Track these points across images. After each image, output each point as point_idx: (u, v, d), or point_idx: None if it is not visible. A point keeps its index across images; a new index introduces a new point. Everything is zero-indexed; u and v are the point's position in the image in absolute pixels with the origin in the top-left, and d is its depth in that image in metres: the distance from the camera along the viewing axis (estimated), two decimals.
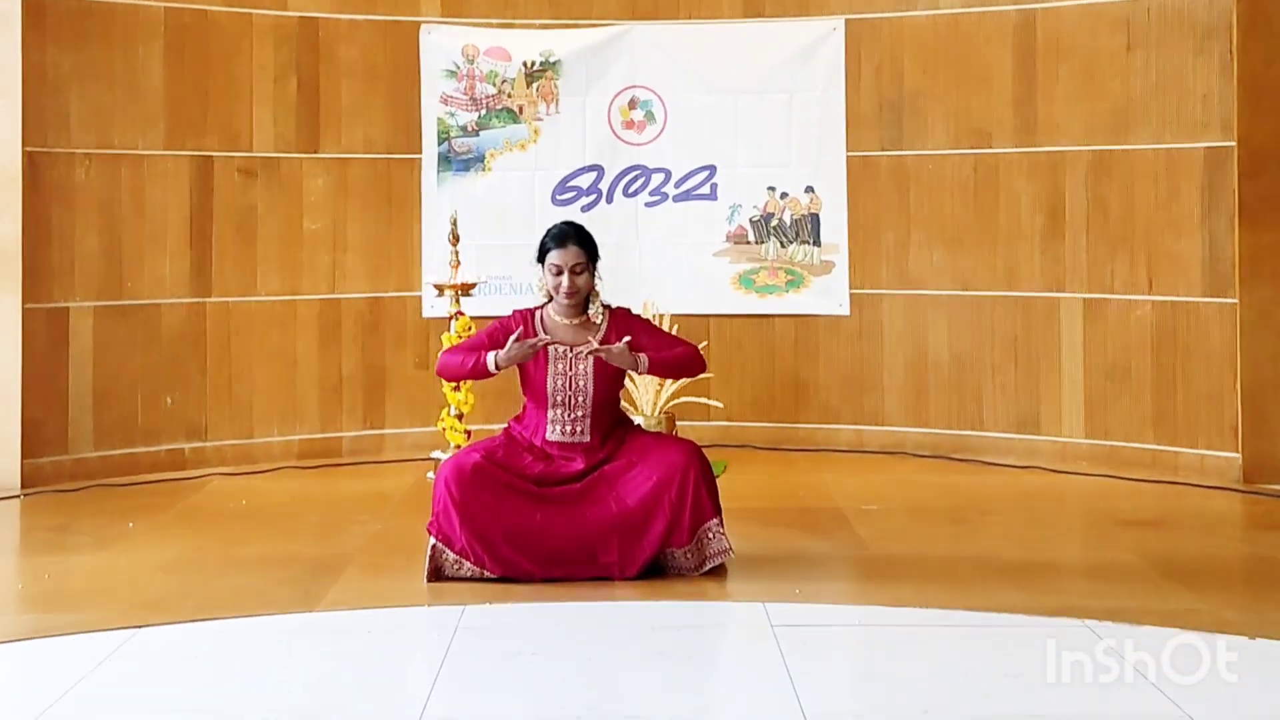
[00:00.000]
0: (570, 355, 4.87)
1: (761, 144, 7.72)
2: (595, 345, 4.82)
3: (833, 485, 6.57)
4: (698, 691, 3.81)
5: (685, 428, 7.13)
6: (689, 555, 4.85)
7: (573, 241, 4.88)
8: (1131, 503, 6.19)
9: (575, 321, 4.95)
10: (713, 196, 7.75)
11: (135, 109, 6.99)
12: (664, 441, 5.10)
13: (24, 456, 6.52)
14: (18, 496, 6.39)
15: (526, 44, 7.72)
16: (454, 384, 6.51)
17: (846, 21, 7.61)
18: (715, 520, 4.87)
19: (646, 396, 6.92)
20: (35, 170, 6.66)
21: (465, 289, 6.83)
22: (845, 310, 7.60)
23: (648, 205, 7.76)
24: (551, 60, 7.71)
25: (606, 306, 4.99)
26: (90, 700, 3.65)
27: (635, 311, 5.18)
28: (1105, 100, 7.08)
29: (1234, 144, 6.69)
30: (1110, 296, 7.05)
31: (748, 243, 7.71)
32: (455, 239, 6.82)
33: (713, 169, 7.75)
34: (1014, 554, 5.23)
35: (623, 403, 5.20)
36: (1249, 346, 6.62)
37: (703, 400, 7.13)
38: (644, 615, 4.56)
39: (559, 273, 4.86)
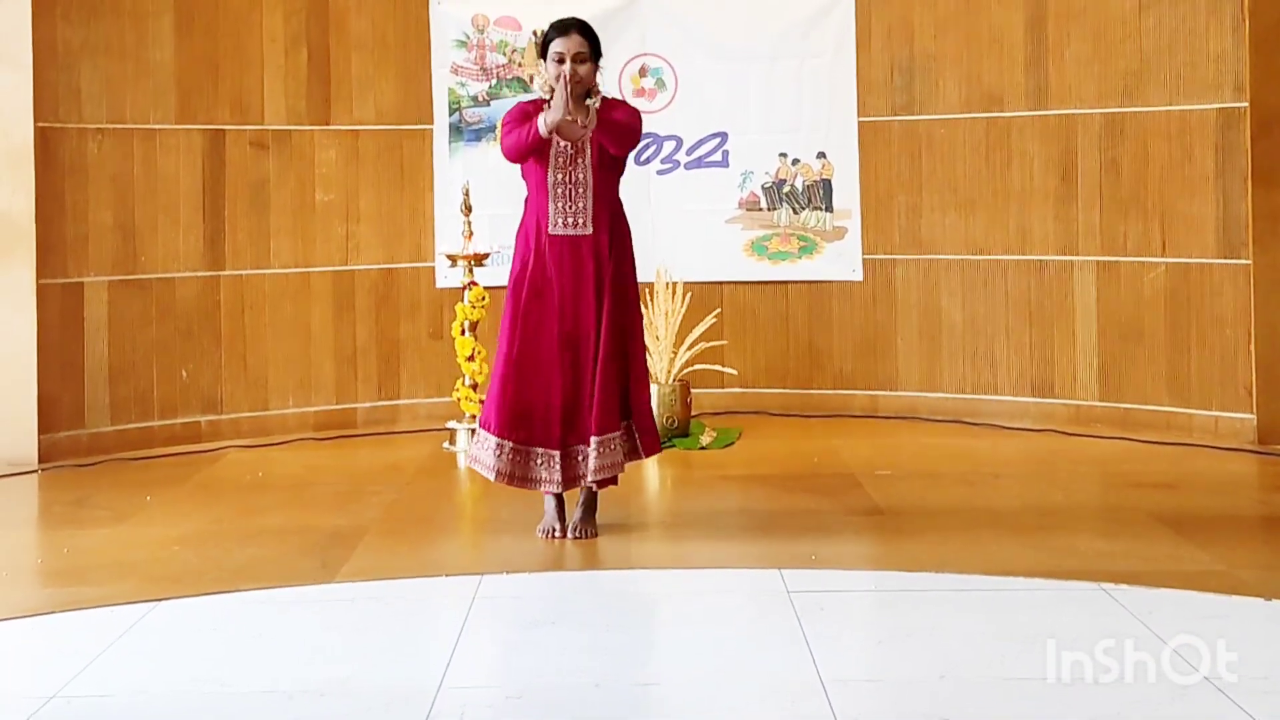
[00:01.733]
0: (570, 151, 4.88)
1: (773, 110, 7.70)
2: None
3: (847, 451, 6.58)
4: (715, 658, 3.82)
5: (700, 394, 7.14)
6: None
7: (575, 30, 4.89)
8: (1146, 465, 6.18)
9: (573, 117, 4.88)
10: (724, 163, 7.73)
11: (146, 82, 6.98)
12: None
13: (40, 431, 6.53)
14: (35, 471, 6.41)
15: (536, 13, 7.66)
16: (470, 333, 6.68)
17: None
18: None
19: (661, 364, 6.92)
20: (47, 145, 6.66)
21: (478, 259, 6.84)
22: (858, 276, 7.59)
23: (659, 173, 7.74)
24: None
25: (604, 98, 4.99)
26: (112, 673, 3.68)
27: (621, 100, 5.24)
28: (1117, 62, 7.04)
29: (1246, 105, 6.65)
30: (1123, 259, 7.03)
31: (760, 209, 7.70)
32: (468, 209, 6.83)
33: (724, 136, 7.73)
34: (1029, 518, 5.24)
35: None
36: (1263, 307, 6.60)
37: (717, 368, 7.13)
38: (660, 582, 4.61)
39: (561, 60, 4.85)
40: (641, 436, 5.01)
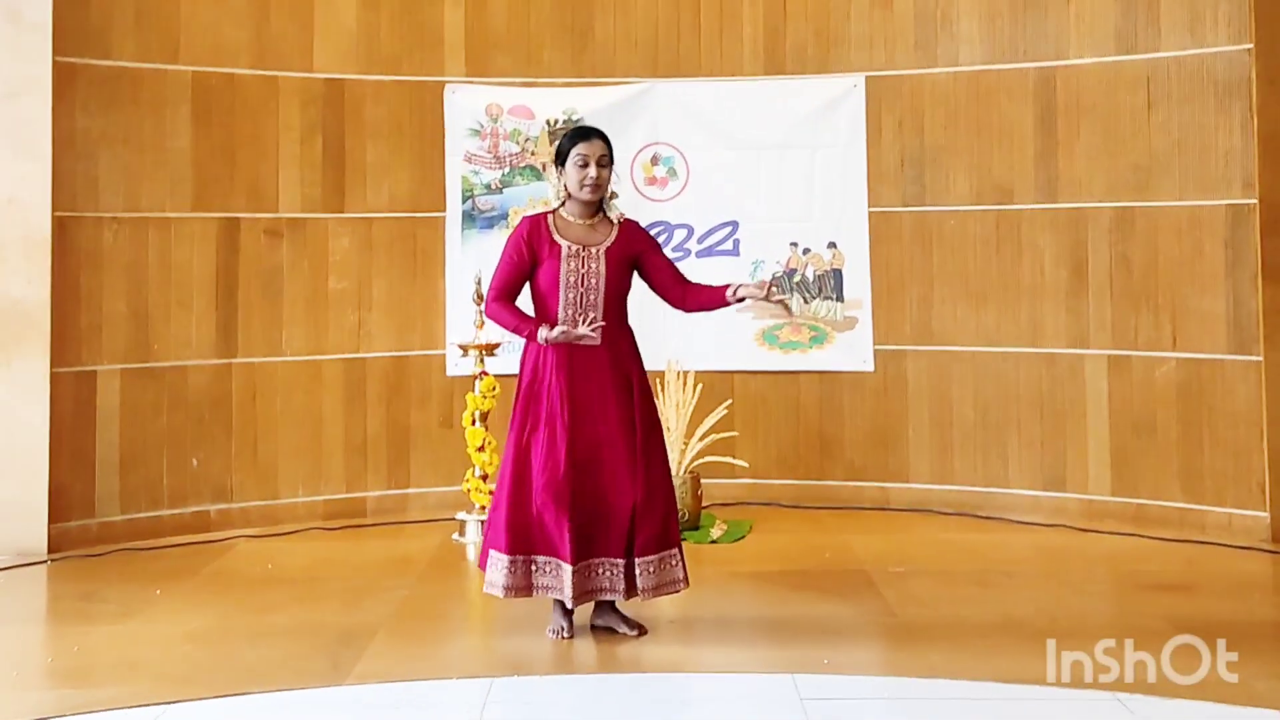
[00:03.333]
0: (583, 253, 4.92)
1: (783, 200, 7.75)
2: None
3: (859, 545, 6.56)
4: None
5: (710, 485, 7.14)
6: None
7: (597, 136, 4.99)
8: (1159, 564, 6.16)
9: (589, 221, 5.00)
10: (735, 252, 7.76)
11: (163, 172, 7.05)
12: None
13: (51, 521, 6.54)
14: (45, 562, 6.40)
15: (549, 102, 7.76)
16: (480, 424, 6.76)
17: (867, 78, 7.64)
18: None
19: (672, 455, 6.90)
20: (64, 234, 6.72)
21: (489, 349, 6.86)
22: (869, 366, 7.60)
23: None
24: (574, 118, 7.75)
25: (625, 219, 5.07)
26: None
27: (648, 231, 5.26)
28: (1127, 157, 7.09)
29: (1256, 201, 6.70)
30: (1135, 353, 7.03)
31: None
32: (479, 298, 6.85)
33: (735, 224, 7.77)
34: (1042, 621, 5.19)
35: None
36: (1275, 404, 6.61)
37: (728, 460, 7.13)
38: (672, 688, 4.57)
39: (585, 164, 4.93)
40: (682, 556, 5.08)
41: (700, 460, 7.00)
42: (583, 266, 4.93)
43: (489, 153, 7.73)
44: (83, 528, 6.71)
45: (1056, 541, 6.68)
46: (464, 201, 7.68)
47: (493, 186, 7.70)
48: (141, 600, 5.64)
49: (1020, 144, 7.36)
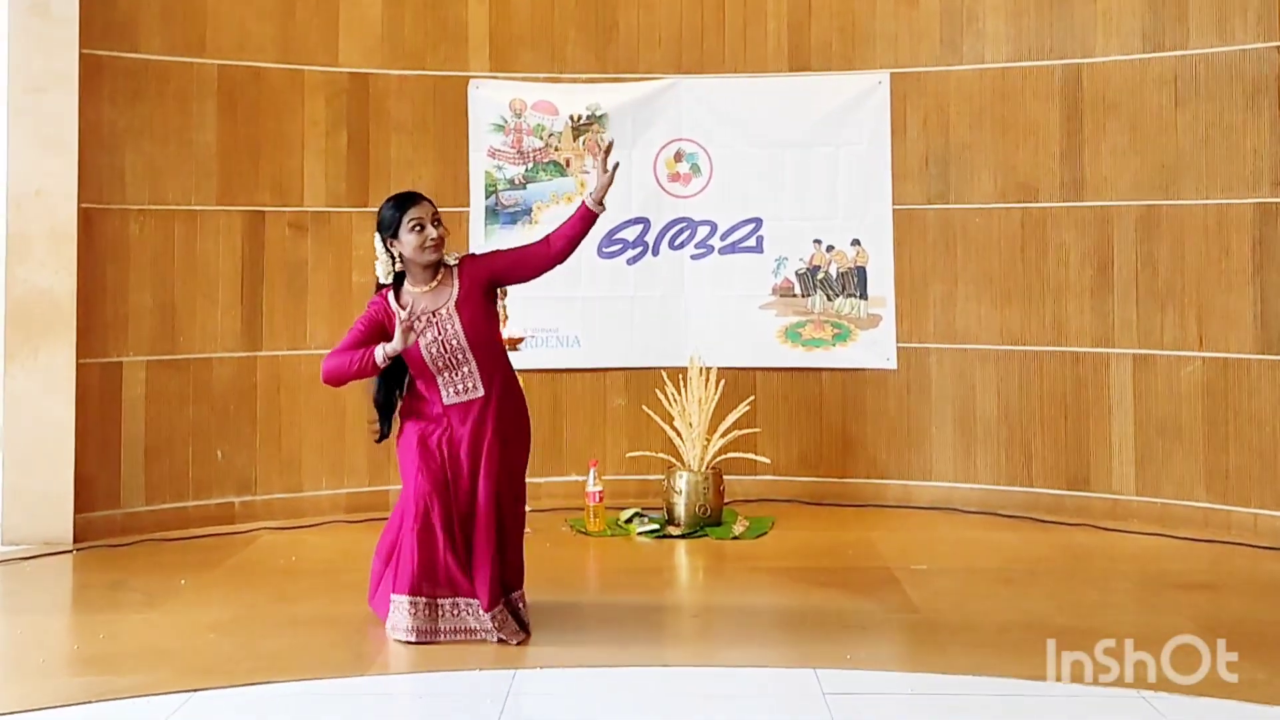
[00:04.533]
0: (436, 320, 4.90)
1: (807, 197, 7.73)
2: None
3: (881, 543, 6.55)
4: None
5: (732, 482, 7.13)
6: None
7: (421, 198, 5.04)
8: (1184, 564, 6.14)
9: (429, 287, 4.99)
10: (759, 249, 7.75)
11: (188, 165, 7.07)
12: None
13: (76, 511, 6.58)
14: (71, 551, 6.44)
15: (573, 98, 7.77)
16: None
17: (891, 75, 7.62)
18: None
19: (694, 452, 6.92)
20: (90, 226, 6.75)
21: (512, 344, 6.84)
22: (892, 364, 7.59)
23: (694, 258, 7.78)
24: (598, 114, 7.76)
25: (458, 259, 5.09)
26: None
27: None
28: (1153, 155, 7.06)
29: None
30: (1160, 352, 7.01)
31: (794, 296, 7.71)
32: (503, 293, 6.85)
33: (759, 221, 7.77)
34: (1066, 618, 5.18)
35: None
36: None
37: (749, 456, 7.12)
38: (695, 682, 4.57)
39: (421, 227, 4.94)
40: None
41: (722, 456, 7.00)
42: (440, 333, 4.91)
43: (513, 148, 7.73)
44: (108, 518, 6.74)
45: (1080, 540, 6.66)
46: (487, 197, 7.69)
47: (516, 182, 7.71)
48: (167, 590, 5.67)
49: (1045, 142, 7.33)
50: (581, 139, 7.76)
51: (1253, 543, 6.49)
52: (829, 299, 7.68)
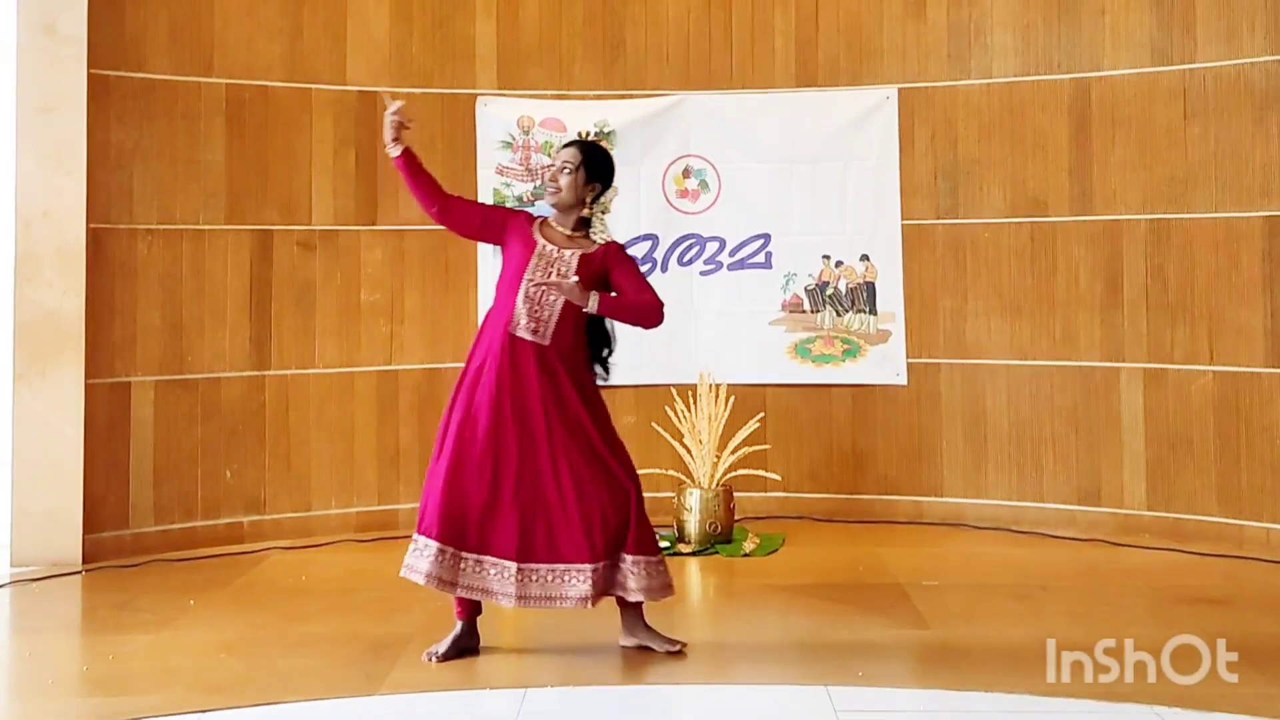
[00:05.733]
0: (555, 257, 4.86)
1: (816, 212, 7.73)
2: (549, 280, 4.81)
3: (892, 559, 6.52)
4: None
5: (742, 499, 7.11)
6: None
7: (574, 145, 5.06)
8: (1197, 579, 6.11)
9: (569, 233, 4.96)
10: (767, 265, 7.74)
11: (196, 184, 7.08)
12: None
13: (85, 531, 6.56)
14: (79, 572, 6.42)
15: (581, 115, 7.77)
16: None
17: (900, 90, 7.62)
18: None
19: (704, 469, 6.91)
20: (99, 246, 6.75)
21: None
22: (902, 380, 7.57)
23: (703, 274, 7.77)
24: (606, 130, 7.76)
25: (610, 241, 5.04)
26: None
27: (631, 255, 5.16)
28: (1163, 169, 7.05)
29: None
30: (1171, 366, 6.98)
31: (803, 311, 7.70)
32: None
33: (767, 237, 7.76)
34: (1078, 634, 5.13)
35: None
36: None
37: (760, 473, 7.10)
38: (706, 699, 4.55)
39: (551, 166, 5.01)
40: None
41: (732, 473, 6.98)
42: (550, 267, 4.88)
43: (520, 165, 7.73)
44: (117, 538, 6.73)
45: (1092, 556, 6.63)
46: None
47: (524, 199, 7.70)
48: (176, 610, 5.66)
49: (1055, 156, 7.32)
50: None
51: (1266, 557, 6.46)
52: (838, 314, 7.67)
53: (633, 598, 4.87)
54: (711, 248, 7.78)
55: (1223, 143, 6.89)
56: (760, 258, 7.76)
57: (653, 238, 7.76)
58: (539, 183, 7.68)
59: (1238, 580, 6.09)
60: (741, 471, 7.01)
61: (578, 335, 4.94)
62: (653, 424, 7.28)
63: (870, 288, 7.65)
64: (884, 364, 7.61)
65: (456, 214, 5.07)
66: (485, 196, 7.64)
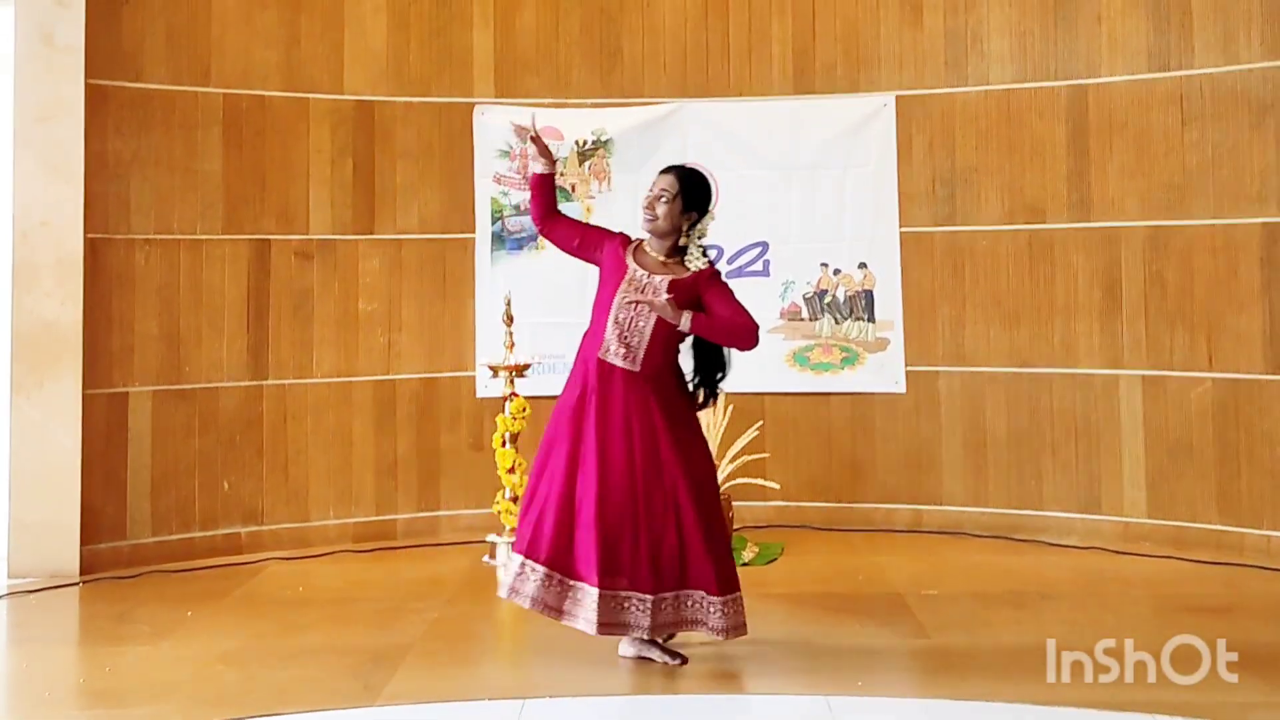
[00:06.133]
0: (648, 283, 4.85)
1: (814, 220, 7.72)
2: (640, 297, 4.82)
3: (892, 568, 6.51)
4: None
5: (741, 508, 7.10)
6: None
7: (672, 172, 4.98)
8: (1198, 587, 6.10)
9: (663, 259, 4.95)
10: (765, 273, 7.73)
11: (194, 194, 7.07)
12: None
13: (83, 543, 6.54)
14: (77, 584, 6.40)
15: (579, 123, 7.77)
16: (510, 445, 6.70)
17: (897, 98, 7.62)
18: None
19: None
20: (96, 256, 6.74)
21: (519, 370, 6.85)
22: (901, 388, 7.56)
23: None
24: (603, 139, 7.76)
25: (710, 262, 5.00)
26: None
27: (725, 281, 5.07)
28: (1160, 175, 7.05)
29: None
30: (1170, 373, 6.98)
31: (801, 319, 7.69)
32: (509, 319, 6.85)
33: (765, 245, 7.75)
34: (1079, 642, 5.12)
35: None
36: None
37: (759, 481, 7.08)
38: (706, 709, 4.54)
39: (649, 195, 4.95)
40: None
41: (731, 482, 6.96)
42: (640, 294, 4.85)
43: (518, 174, 7.72)
44: (114, 549, 6.71)
45: (1092, 564, 6.62)
46: (493, 223, 7.68)
47: (522, 208, 7.69)
48: (173, 621, 5.64)
49: (1052, 163, 7.32)
50: (588, 164, 7.76)
51: (1266, 565, 6.45)
52: (837, 322, 7.66)
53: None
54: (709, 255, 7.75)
55: (1220, 149, 6.89)
56: (758, 265, 7.75)
57: None
58: None
59: (1238, 588, 6.08)
60: (740, 480, 6.99)
61: (668, 360, 4.93)
62: None
63: (868, 295, 7.65)
64: (883, 372, 7.60)
65: (560, 232, 5.14)
66: (483, 206, 7.65)
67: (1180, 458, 6.94)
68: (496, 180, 7.70)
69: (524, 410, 6.79)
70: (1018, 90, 7.40)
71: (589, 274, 7.61)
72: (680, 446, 4.85)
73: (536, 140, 5.07)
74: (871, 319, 7.63)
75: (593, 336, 4.95)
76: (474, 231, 7.65)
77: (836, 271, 7.69)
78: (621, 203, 7.63)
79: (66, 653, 5.47)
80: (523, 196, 7.66)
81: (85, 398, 6.61)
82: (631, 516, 4.77)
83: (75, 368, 6.59)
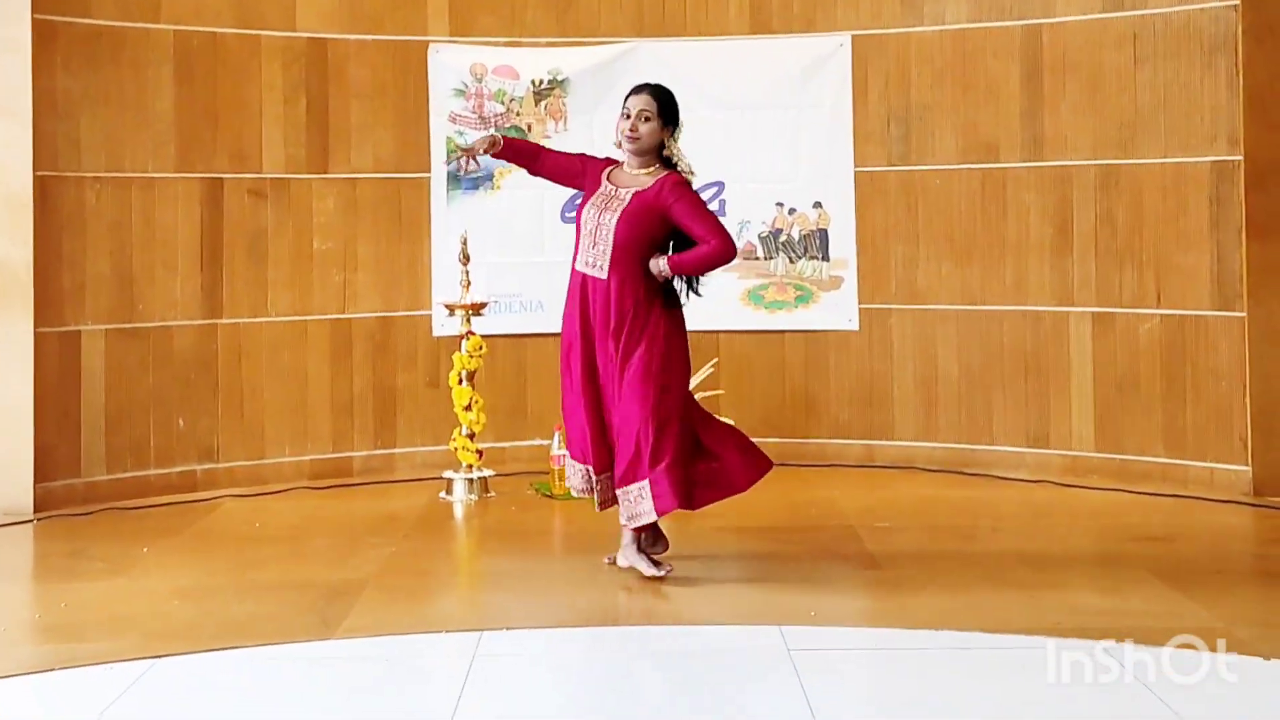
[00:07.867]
0: (611, 194, 5.08)
1: (769, 160, 7.73)
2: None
3: (844, 501, 6.59)
4: (717, 718, 3.82)
5: None
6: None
7: (647, 91, 5.15)
8: (1142, 518, 6.20)
9: (635, 170, 5.14)
10: (722, 213, 7.71)
11: (145, 132, 7.00)
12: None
13: (36, 481, 6.51)
14: (31, 521, 6.39)
15: (534, 62, 7.73)
16: (467, 383, 6.82)
17: (853, 37, 7.62)
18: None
19: None
20: (46, 195, 6.67)
21: (476, 309, 6.86)
22: (855, 325, 7.62)
23: None
24: (559, 78, 7.73)
25: (673, 168, 5.13)
26: None
27: (692, 190, 5.18)
28: (1112, 114, 7.09)
29: (1241, 158, 6.70)
30: (1119, 310, 7.06)
31: (756, 258, 7.72)
32: (466, 259, 6.85)
33: (721, 185, 7.75)
34: (1027, 573, 5.23)
35: None
36: (1257, 359, 6.63)
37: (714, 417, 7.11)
38: (661, 640, 4.58)
39: (626, 116, 5.11)
40: (654, 488, 5.06)
41: None
42: (603, 209, 5.05)
43: (474, 113, 7.69)
44: (69, 487, 6.69)
45: (1040, 497, 6.71)
46: (449, 163, 7.65)
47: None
48: (129, 558, 5.64)
49: (1006, 102, 7.35)
50: (544, 103, 7.73)
51: (1209, 496, 6.56)
52: (791, 261, 7.70)
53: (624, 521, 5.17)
54: None
55: (1172, 88, 6.94)
56: (714, 205, 7.75)
57: None
58: (492, 130, 7.63)
59: (1181, 518, 6.18)
60: None
61: (638, 265, 5.05)
62: None
63: (823, 234, 7.68)
64: (836, 310, 7.65)
65: (549, 171, 5.38)
66: (439, 145, 7.62)
67: (1128, 393, 7.03)
68: (452, 119, 7.66)
69: (480, 348, 6.81)
70: (972, 29, 7.42)
71: (545, 214, 7.73)
72: (631, 342, 5.04)
73: (474, 150, 5.34)
74: (826, 258, 7.67)
75: (576, 252, 5.16)
76: (429, 171, 7.62)
77: (792, 211, 7.72)
78: (577, 142, 7.56)
79: (21, 589, 5.47)
80: (478, 135, 7.62)
81: (37, 336, 6.56)
82: (597, 410, 5.12)
83: (26, 307, 6.54)
